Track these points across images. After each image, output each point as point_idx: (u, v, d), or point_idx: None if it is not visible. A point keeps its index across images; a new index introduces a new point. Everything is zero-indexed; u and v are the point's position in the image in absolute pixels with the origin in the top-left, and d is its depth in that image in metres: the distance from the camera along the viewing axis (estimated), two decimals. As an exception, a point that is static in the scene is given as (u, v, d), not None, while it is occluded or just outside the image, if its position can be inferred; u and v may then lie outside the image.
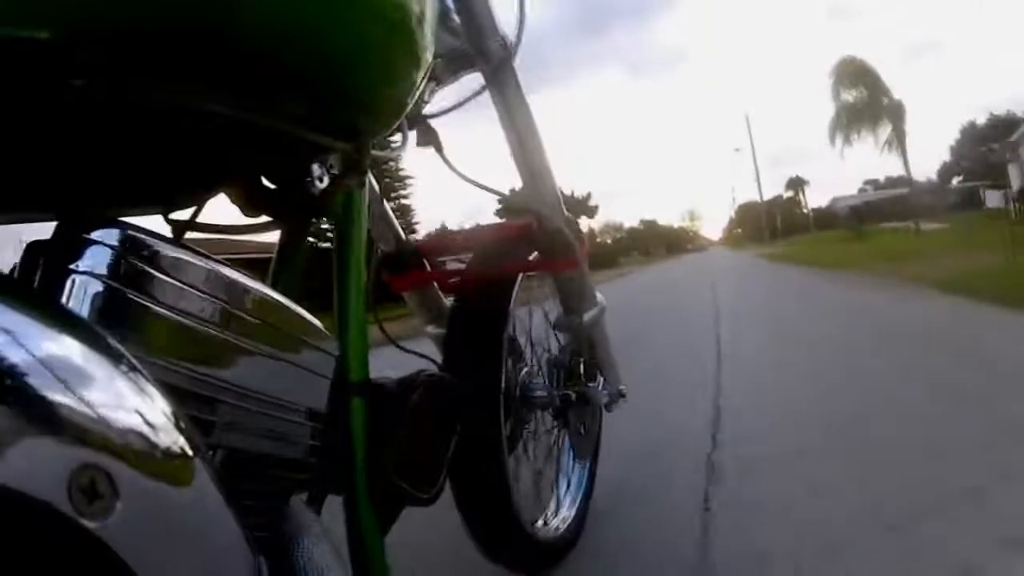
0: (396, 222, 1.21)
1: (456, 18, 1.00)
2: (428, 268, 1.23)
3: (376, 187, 1.01)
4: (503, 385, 1.02)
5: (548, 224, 1.11)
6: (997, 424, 1.63)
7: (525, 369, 1.18)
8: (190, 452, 0.35)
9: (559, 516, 1.27)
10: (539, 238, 1.13)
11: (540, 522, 1.22)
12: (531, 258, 1.15)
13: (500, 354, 1.02)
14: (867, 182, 64.17)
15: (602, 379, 1.40)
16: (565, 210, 1.16)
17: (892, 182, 56.83)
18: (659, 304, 7.82)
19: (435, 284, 1.27)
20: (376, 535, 0.70)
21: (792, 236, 44.21)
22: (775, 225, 52.89)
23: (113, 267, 0.43)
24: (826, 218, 50.43)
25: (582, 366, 1.30)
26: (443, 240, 1.26)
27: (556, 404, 1.23)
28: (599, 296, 1.39)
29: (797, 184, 68.02)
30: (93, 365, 0.32)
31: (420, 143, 1.07)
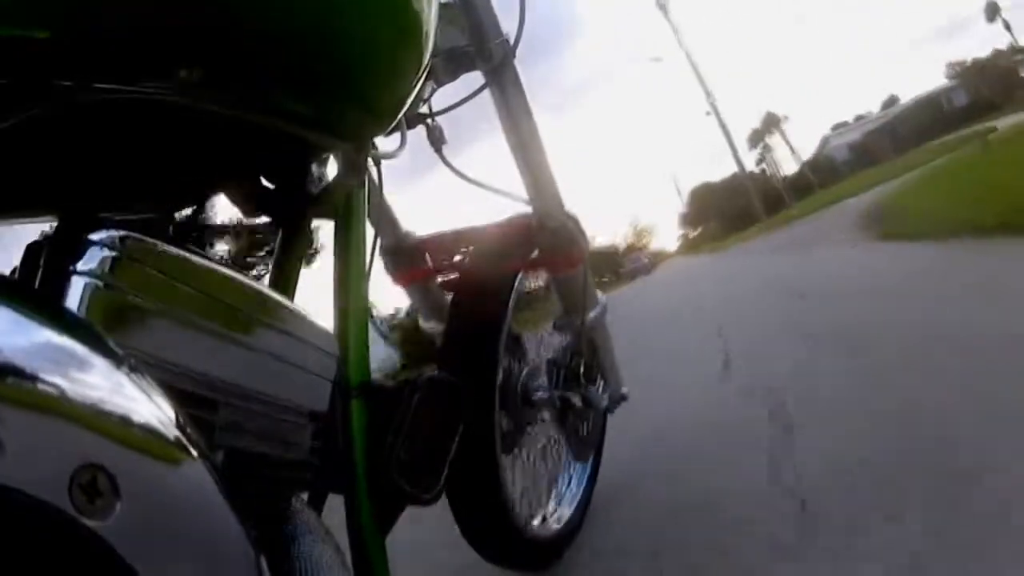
0: (397, 217, 1.21)
1: (457, 18, 1.00)
2: (429, 264, 1.23)
3: (377, 182, 1.02)
4: (500, 383, 1.02)
5: (549, 222, 1.11)
6: None
7: (526, 369, 1.18)
8: (191, 452, 0.35)
9: (556, 516, 1.27)
10: (539, 236, 1.13)
11: (537, 521, 1.22)
12: (532, 256, 1.15)
13: (496, 352, 1.02)
14: (836, 127, 49.53)
15: (603, 382, 1.39)
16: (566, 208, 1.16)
17: (864, 123, 45.17)
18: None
19: (436, 280, 1.27)
20: (377, 535, 0.70)
21: (791, 205, 28.19)
22: (778, 198, 34.48)
23: (113, 267, 0.43)
24: (820, 168, 38.96)
25: (582, 368, 1.30)
26: (445, 236, 1.26)
27: (555, 406, 1.23)
28: (601, 296, 1.39)
29: (771, 124, 45.99)
30: (93, 365, 0.32)
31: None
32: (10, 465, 0.26)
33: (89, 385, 0.31)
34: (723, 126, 29.50)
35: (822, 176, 36.78)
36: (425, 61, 0.70)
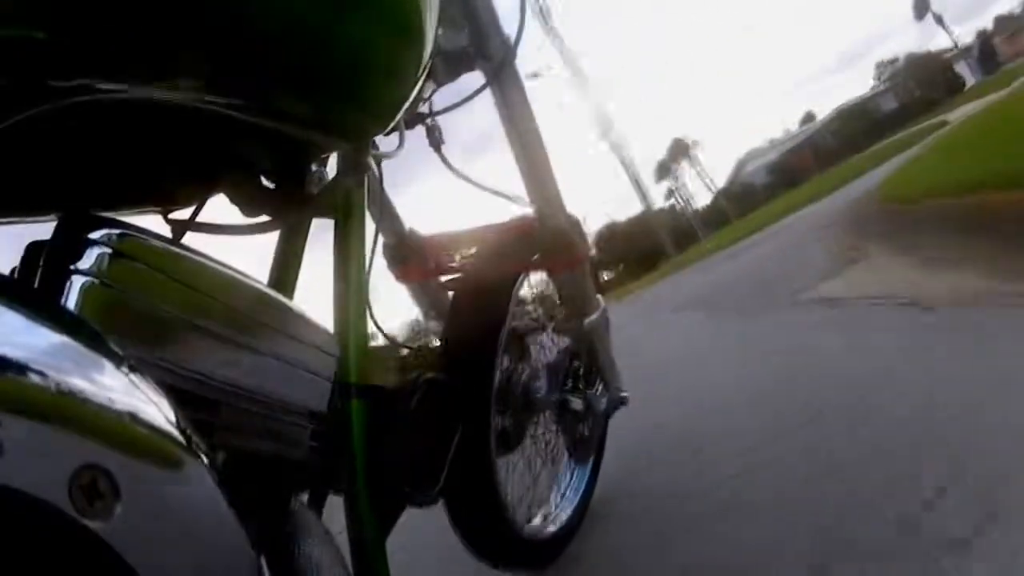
0: (399, 215, 1.21)
1: (457, 18, 1.00)
2: (432, 263, 1.23)
3: (379, 180, 1.02)
4: (499, 384, 1.02)
5: (549, 223, 1.11)
6: None
7: (527, 370, 1.18)
8: (191, 452, 0.35)
9: (552, 518, 1.27)
10: (540, 238, 1.13)
11: (534, 523, 1.22)
12: (533, 258, 1.15)
13: (494, 352, 1.02)
14: (751, 153, 43.99)
15: (602, 385, 1.39)
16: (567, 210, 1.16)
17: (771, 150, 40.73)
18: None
19: (438, 280, 1.27)
20: (377, 535, 0.70)
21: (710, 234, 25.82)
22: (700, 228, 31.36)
23: (113, 267, 0.43)
24: (737, 196, 35.37)
25: (581, 370, 1.30)
26: (447, 236, 1.26)
27: (554, 408, 1.23)
28: (600, 299, 1.38)
29: (679, 153, 40.52)
30: (93, 365, 0.32)
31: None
32: (10, 466, 0.26)
33: (89, 385, 0.31)
34: (615, 149, 26.49)
35: (739, 204, 33.10)
36: (425, 61, 0.70)
